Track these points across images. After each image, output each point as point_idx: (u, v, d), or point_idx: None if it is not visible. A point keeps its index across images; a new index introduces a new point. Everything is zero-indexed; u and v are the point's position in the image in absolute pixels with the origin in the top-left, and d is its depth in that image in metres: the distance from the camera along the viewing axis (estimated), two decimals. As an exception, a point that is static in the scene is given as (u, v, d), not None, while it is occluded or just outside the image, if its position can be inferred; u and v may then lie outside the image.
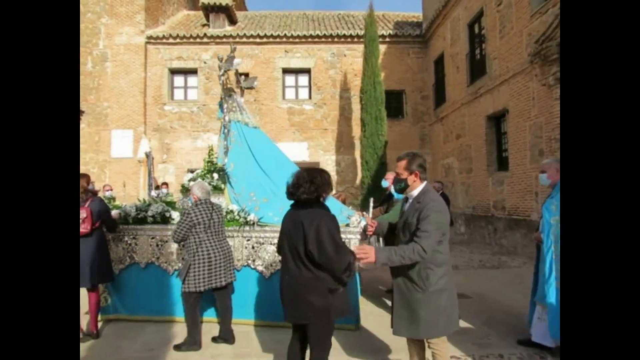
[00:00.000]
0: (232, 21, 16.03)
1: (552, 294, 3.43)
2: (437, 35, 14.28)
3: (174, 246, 4.48)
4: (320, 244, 2.48)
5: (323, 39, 15.06)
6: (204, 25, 15.78)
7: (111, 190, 10.82)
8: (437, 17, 13.83)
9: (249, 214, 4.44)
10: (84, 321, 4.25)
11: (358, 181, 14.43)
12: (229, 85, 5.28)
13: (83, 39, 14.22)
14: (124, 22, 14.54)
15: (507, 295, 5.65)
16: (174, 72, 15.10)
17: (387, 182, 4.85)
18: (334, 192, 13.13)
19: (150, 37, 14.63)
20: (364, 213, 4.64)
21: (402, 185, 2.76)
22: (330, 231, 2.52)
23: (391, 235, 2.99)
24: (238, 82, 5.56)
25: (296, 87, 15.39)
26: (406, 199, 2.83)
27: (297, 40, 15.00)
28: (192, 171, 5.36)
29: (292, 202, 2.75)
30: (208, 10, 15.36)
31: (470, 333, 4.20)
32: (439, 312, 2.59)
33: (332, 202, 3.97)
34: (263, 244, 4.45)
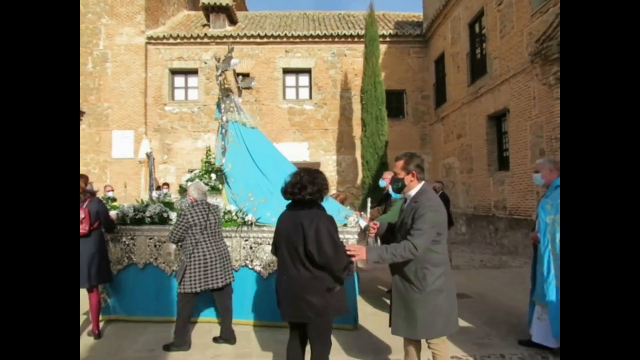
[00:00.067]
0: (233, 21, 16.03)
1: (552, 293, 3.42)
2: (437, 34, 14.26)
3: (172, 247, 4.47)
4: (319, 244, 2.49)
5: (323, 39, 15.05)
6: (204, 25, 15.78)
7: (112, 190, 10.84)
8: (437, 17, 13.80)
9: (246, 214, 4.43)
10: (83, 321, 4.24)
11: (359, 181, 14.42)
12: (226, 86, 5.27)
13: (83, 39, 14.24)
14: (124, 23, 14.56)
15: (508, 295, 5.64)
16: (174, 72, 15.11)
17: (384, 182, 4.84)
18: (333, 191, 13.15)
19: (150, 38, 14.64)
20: (362, 213, 4.63)
21: (399, 185, 2.78)
22: (330, 231, 2.54)
23: (390, 235, 2.99)
24: (236, 82, 5.55)
25: (297, 87, 15.38)
26: (406, 199, 2.84)
27: (297, 40, 14.99)
28: (192, 171, 5.35)
29: (288, 202, 2.74)
30: (208, 10, 15.37)
31: (471, 333, 4.19)
32: (436, 312, 2.59)
33: (330, 202, 3.96)
34: (261, 244, 4.43)
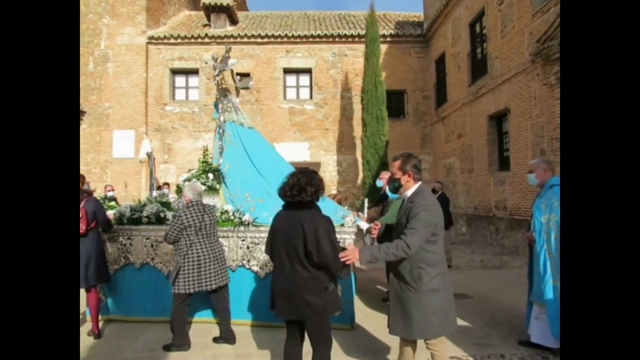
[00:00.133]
0: (233, 21, 16.04)
1: (549, 292, 3.42)
2: (438, 34, 14.23)
3: (169, 247, 4.45)
4: (319, 244, 2.52)
5: (324, 39, 15.04)
6: (205, 25, 15.80)
7: (112, 190, 10.85)
8: (438, 17, 13.78)
9: (243, 214, 4.41)
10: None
11: (359, 181, 14.40)
12: (224, 86, 5.25)
13: (84, 39, 14.26)
14: (125, 23, 14.58)
15: (508, 296, 5.62)
16: (175, 72, 15.12)
17: (381, 182, 4.82)
18: (333, 191, 13.13)
19: (151, 38, 14.66)
20: (359, 213, 4.61)
21: (395, 185, 2.81)
22: (329, 232, 2.58)
23: (387, 236, 2.99)
24: (234, 82, 5.53)
25: (297, 87, 15.38)
26: (403, 200, 2.85)
27: (298, 40, 14.99)
28: (190, 171, 5.33)
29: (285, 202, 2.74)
30: (209, 10, 15.38)
31: (472, 333, 4.18)
32: (432, 312, 2.59)
33: (327, 202, 3.94)
34: (258, 244, 4.41)
